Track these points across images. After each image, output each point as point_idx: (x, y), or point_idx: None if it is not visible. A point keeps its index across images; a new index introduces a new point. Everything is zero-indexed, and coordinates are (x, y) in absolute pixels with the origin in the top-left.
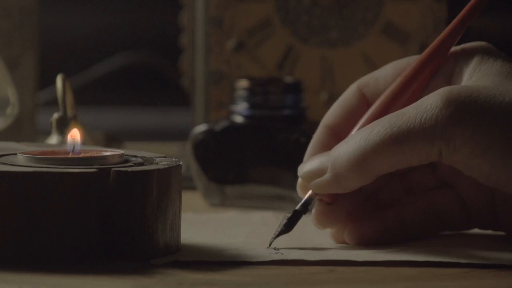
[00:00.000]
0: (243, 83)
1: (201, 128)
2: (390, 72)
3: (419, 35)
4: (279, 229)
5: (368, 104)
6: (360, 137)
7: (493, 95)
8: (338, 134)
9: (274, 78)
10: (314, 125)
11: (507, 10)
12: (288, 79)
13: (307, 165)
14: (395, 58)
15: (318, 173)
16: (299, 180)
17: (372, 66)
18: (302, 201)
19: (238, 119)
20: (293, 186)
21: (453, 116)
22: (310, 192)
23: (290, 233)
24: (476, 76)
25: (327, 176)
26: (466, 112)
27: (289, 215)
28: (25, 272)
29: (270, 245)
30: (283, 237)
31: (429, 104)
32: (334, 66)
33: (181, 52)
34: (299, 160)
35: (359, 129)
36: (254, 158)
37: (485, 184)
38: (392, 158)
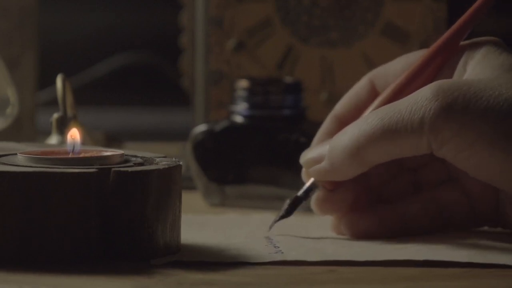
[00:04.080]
0: (243, 83)
1: (201, 128)
2: (401, 65)
3: (419, 35)
4: (280, 214)
5: (377, 96)
6: (355, 128)
7: (484, 88)
8: (346, 124)
9: (274, 78)
10: (314, 125)
11: (507, 10)
12: (288, 79)
13: (309, 152)
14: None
15: (317, 160)
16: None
17: (372, 66)
18: (304, 187)
19: (238, 119)
20: (293, 186)
21: (441, 108)
22: (312, 179)
23: (291, 232)
24: (478, 68)
25: (324, 163)
26: (454, 105)
27: (290, 201)
28: (25, 272)
29: (270, 229)
30: (283, 237)
31: (420, 96)
32: (334, 66)
33: (181, 52)
34: (299, 160)
35: None
36: (254, 158)
37: (476, 177)
38: (384, 148)
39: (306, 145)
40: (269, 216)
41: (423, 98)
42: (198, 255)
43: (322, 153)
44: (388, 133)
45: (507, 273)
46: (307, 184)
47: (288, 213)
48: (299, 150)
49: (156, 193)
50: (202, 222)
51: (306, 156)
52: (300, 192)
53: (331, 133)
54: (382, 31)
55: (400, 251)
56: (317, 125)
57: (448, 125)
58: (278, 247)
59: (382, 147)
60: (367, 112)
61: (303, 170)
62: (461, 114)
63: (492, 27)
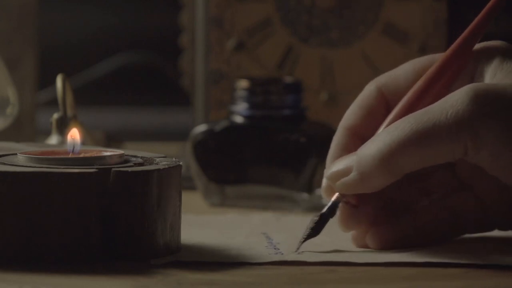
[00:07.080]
0: (243, 83)
1: (201, 128)
2: (410, 71)
3: (419, 35)
4: (307, 233)
5: (387, 104)
6: (385, 135)
7: None
8: (359, 135)
9: (274, 78)
10: (314, 125)
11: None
12: (288, 79)
13: (334, 166)
14: (395, 58)
15: (344, 172)
16: (324, 183)
17: (372, 66)
18: (329, 204)
19: (238, 119)
20: (293, 186)
21: (480, 111)
22: (336, 195)
23: (292, 234)
24: (499, 75)
25: (353, 175)
26: (493, 107)
27: (316, 219)
28: (25, 272)
29: (297, 249)
30: (283, 237)
31: (455, 100)
32: (334, 66)
33: (181, 52)
34: (299, 160)
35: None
36: (254, 158)
37: (509, 184)
38: (418, 155)
39: (306, 145)
40: (269, 216)
41: (459, 101)
42: (198, 255)
43: (348, 165)
44: (423, 138)
45: (507, 273)
46: (332, 199)
47: (316, 232)
48: (299, 150)
49: (156, 193)
50: (202, 222)
51: (330, 170)
52: (324, 210)
53: (346, 147)
54: (382, 31)
55: (400, 254)
56: (317, 125)
57: (487, 128)
58: (278, 249)
59: (416, 153)
60: (385, 122)
61: (324, 186)
62: (500, 117)
63: (493, 28)
